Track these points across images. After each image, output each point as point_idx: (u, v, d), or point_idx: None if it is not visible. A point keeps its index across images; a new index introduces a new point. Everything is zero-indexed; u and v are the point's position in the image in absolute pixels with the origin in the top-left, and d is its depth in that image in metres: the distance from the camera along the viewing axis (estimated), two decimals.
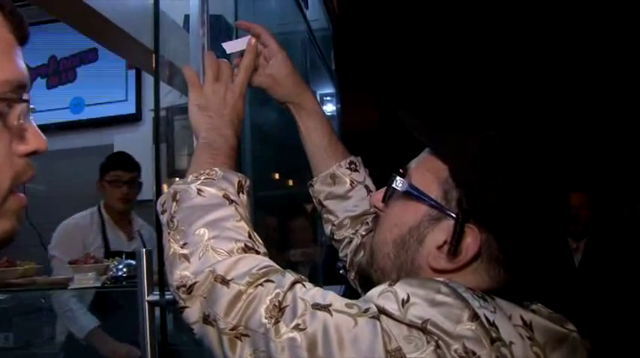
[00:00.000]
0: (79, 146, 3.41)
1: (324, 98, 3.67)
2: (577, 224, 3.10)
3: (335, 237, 1.19)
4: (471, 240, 0.76)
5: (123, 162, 2.73)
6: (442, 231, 0.78)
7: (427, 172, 0.82)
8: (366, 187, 1.17)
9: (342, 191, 1.16)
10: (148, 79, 1.80)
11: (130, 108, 3.59)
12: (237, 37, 1.27)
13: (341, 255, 1.19)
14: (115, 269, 1.58)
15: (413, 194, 0.81)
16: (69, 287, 1.57)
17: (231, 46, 1.10)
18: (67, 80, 3.69)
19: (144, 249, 1.09)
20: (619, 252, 2.95)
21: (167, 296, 1.06)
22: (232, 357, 0.72)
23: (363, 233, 1.14)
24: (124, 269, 1.55)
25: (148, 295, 1.09)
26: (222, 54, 1.10)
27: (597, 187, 3.40)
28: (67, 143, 3.40)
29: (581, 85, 4.91)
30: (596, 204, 3.19)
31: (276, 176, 2.43)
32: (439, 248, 0.78)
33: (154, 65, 1.18)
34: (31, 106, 0.67)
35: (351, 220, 1.16)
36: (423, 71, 4.65)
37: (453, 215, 0.77)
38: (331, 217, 1.18)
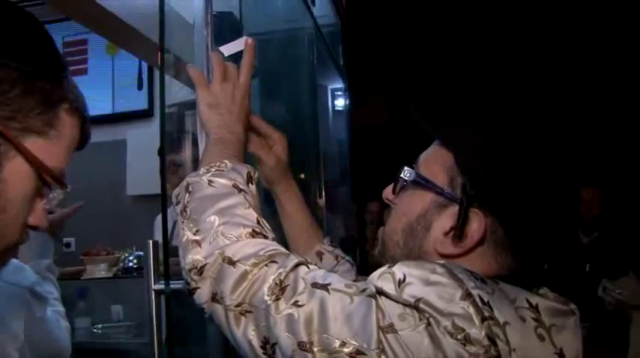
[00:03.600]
0: (93, 141, 3.47)
1: (335, 93, 3.69)
2: (588, 218, 3.11)
3: None
4: (476, 225, 0.78)
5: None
6: (448, 217, 0.81)
7: (434, 162, 0.86)
8: (349, 262, 1.25)
9: (329, 266, 1.21)
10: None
11: (142, 104, 3.63)
12: (241, 35, 1.30)
13: None
14: (125, 261, 1.63)
15: (420, 182, 0.85)
16: (81, 278, 1.62)
17: (228, 49, 1.15)
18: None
19: (150, 240, 1.13)
20: (626, 248, 2.95)
21: (172, 286, 1.10)
22: (237, 332, 0.77)
23: None
24: (134, 261, 1.60)
25: (154, 284, 1.13)
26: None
27: (610, 183, 3.39)
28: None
29: (596, 81, 4.87)
30: (608, 200, 3.18)
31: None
32: (446, 234, 0.80)
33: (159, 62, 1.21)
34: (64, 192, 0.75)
35: None
36: (433, 65, 4.65)
37: (458, 200, 0.80)
38: None
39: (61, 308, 1.35)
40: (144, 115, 3.63)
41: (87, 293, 2.66)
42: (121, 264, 1.59)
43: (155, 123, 3.58)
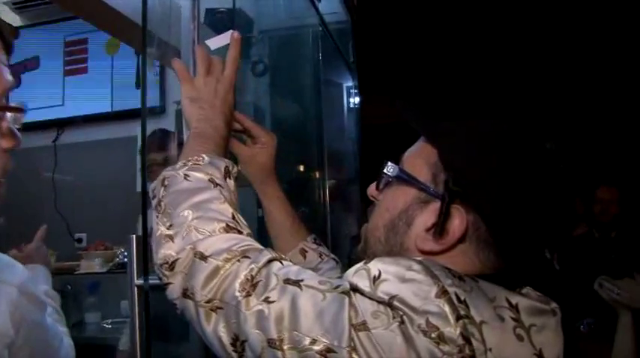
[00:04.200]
0: (104, 138, 3.49)
1: (351, 91, 3.67)
2: (605, 218, 3.07)
3: None
4: (458, 221, 0.77)
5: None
6: (430, 214, 0.79)
7: (418, 158, 0.84)
8: (333, 259, 1.25)
9: (313, 264, 1.22)
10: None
11: (154, 101, 3.64)
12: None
13: None
14: (121, 256, 1.64)
15: (403, 178, 0.83)
16: (75, 273, 1.63)
17: (214, 42, 1.14)
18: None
19: (134, 235, 1.13)
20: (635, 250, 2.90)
21: (151, 281, 1.10)
22: (208, 328, 0.76)
23: None
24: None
25: (137, 279, 1.13)
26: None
27: (629, 183, 3.34)
28: (93, 135, 3.49)
29: (616, 82, 4.80)
30: (626, 200, 3.14)
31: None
32: (427, 230, 0.79)
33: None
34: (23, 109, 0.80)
35: None
36: (442, 64, 4.62)
37: (440, 196, 0.78)
38: None
39: (64, 329, 1.33)
40: (156, 112, 3.64)
41: (97, 288, 2.71)
42: (117, 260, 1.60)
43: (167, 120, 3.59)
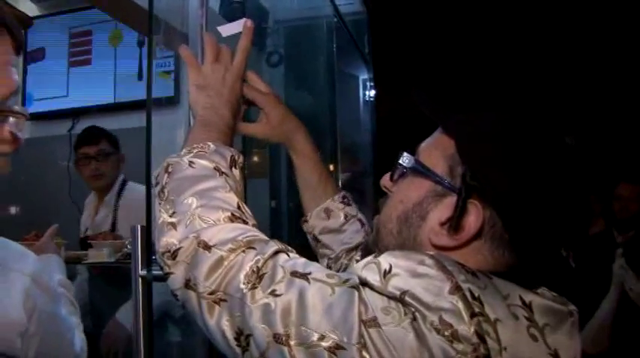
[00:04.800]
0: (116, 127, 3.50)
1: (366, 83, 3.64)
2: (625, 214, 3.02)
3: (332, 269, 1.20)
4: (474, 217, 0.74)
5: (86, 137, 2.65)
6: (446, 208, 0.76)
7: (435, 150, 0.81)
8: (360, 220, 1.21)
9: (336, 225, 1.19)
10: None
11: (168, 91, 3.65)
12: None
13: None
14: (129, 246, 1.63)
15: (419, 170, 0.80)
16: (82, 262, 1.63)
17: (226, 30, 1.12)
18: None
19: (139, 225, 1.11)
20: None
21: (154, 272, 1.08)
22: (210, 322, 0.74)
23: (358, 258, 1.15)
24: None
25: (141, 270, 1.11)
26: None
27: None
28: (105, 124, 3.51)
29: (636, 77, 4.73)
30: None
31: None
32: (442, 224, 0.76)
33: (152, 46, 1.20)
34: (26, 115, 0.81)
35: (346, 253, 1.19)
36: (459, 55, 4.57)
37: (457, 190, 0.75)
38: (327, 251, 1.21)
39: (77, 321, 1.31)
40: (169, 102, 3.64)
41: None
42: (125, 250, 1.59)
43: (181, 110, 3.59)
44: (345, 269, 1.17)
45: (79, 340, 1.25)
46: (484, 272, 0.70)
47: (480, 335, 0.62)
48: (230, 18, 2.44)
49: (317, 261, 1.15)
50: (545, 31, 4.31)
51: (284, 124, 1.16)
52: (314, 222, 1.21)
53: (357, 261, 1.12)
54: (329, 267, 1.21)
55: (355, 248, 1.18)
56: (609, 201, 3.05)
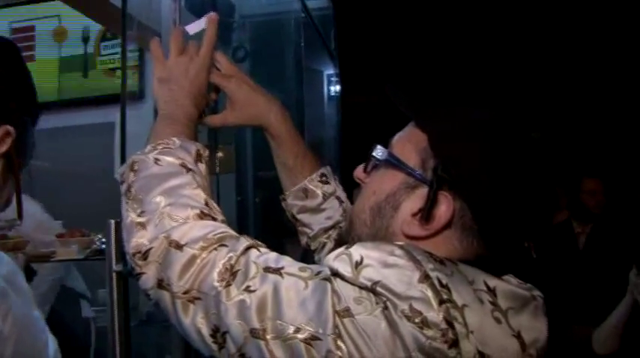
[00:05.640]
0: (82, 123, 3.44)
1: (331, 79, 3.66)
2: (588, 208, 3.10)
3: (311, 247, 1.23)
4: (445, 208, 0.76)
5: None
6: (417, 199, 0.78)
7: (408, 143, 0.83)
8: (338, 198, 1.20)
9: (314, 204, 1.19)
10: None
11: (132, 86, 3.59)
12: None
13: (315, 258, 1.22)
14: (98, 243, 1.62)
15: (392, 162, 0.82)
16: (51, 260, 1.61)
17: (192, 28, 1.12)
18: None
19: (112, 221, 1.11)
20: (620, 239, 2.93)
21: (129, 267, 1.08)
22: (185, 320, 0.75)
23: (336, 237, 1.17)
24: None
25: (116, 265, 1.11)
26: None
27: (612, 175, 3.38)
28: (70, 120, 3.43)
29: (599, 78, 4.86)
30: (610, 191, 3.17)
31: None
32: (414, 215, 0.78)
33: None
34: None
35: (325, 231, 1.20)
36: (427, 52, 4.62)
37: (428, 182, 0.77)
38: (306, 230, 1.22)
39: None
40: (134, 98, 3.59)
41: None
42: (94, 246, 1.58)
43: (146, 106, 3.54)
44: (323, 247, 1.20)
45: (52, 342, 1.23)
46: (451, 260, 0.73)
47: (449, 321, 0.65)
48: (195, 11, 2.43)
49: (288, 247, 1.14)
50: (511, 28, 4.38)
51: (251, 106, 1.13)
52: (292, 202, 1.21)
53: (335, 239, 1.15)
54: (308, 245, 1.23)
55: (333, 226, 1.19)
56: (576, 194, 3.13)
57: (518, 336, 0.71)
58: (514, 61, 4.82)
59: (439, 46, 4.57)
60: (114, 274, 1.10)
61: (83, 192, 3.07)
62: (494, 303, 0.71)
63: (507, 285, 0.74)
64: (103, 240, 1.60)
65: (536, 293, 0.78)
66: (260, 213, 2.77)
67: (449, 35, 4.41)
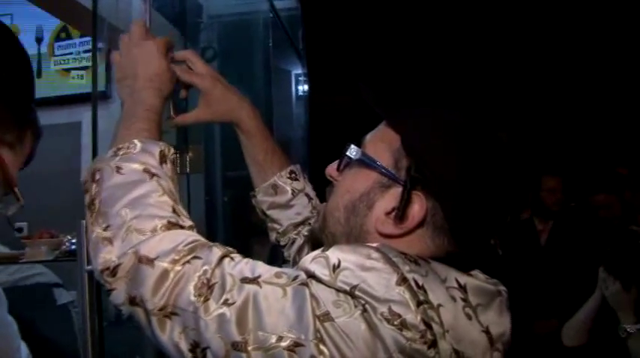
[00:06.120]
0: (47, 123, 3.38)
1: (299, 78, 3.67)
2: (549, 205, 3.16)
3: (280, 243, 1.24)
4: (418, 207, 0.77)
5: None
6: (391, 198, 0.80)
7: (380, 142, 0.84)
8: (307, 195, 1.22)
9: (284, 200, 1.20)
10: None
11: (99, 86, 3.55)
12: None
13: (285, 255, 1.24)
14: (68, 244, 1.60)
15: (365, 161, 0.83)
16: (20, 261, 1.59)
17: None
18: None
19: (84, 221, 1.10)
20: (579, 236, 3.00)
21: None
22: (162, 337, 0.72)
23: (306, 233, 1.18)
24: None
25: (87, 265, 1.11)
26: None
27: (572, 173, 3.45)
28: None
29: (562, 76, 4.95)
30: (569, 189, 3.24)
31: None
32: (387, 214, 0.79)
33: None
34: None
35: (294, 227, 1.21)
36: (393, 52, 4.65)
37: (402, 182, 0.79)
38: (275, 226, 1.23)
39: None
40: (101, 97, 3.54)
41: None
42: (64, 247, 1.56)
43: (114, 105, 3.50)
44: (293, 243, 1.21)
45: (24, 346, 1.22)
46: (424, 258, 0.75)
47: (426, 322, 0.67)
48: (164, 12, 2.42)
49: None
50: (474, 29, 4.44)
51: (225, 103, 1.14)
52: (262, 198, 1.22)
53: (305, 236, 1.16)
54: (277, 241, 1.24)
55: (302, 222, 1.20)
56: (536, 192, 3.19)
57: (487, 332, 0.74)
58: (478, 61, 4.89)
59: (406, 46, 4.61)
60: (85, 274, 1.10)
61: (49, 193, 3.03)
62: (465, 300, 0.73)
63: (476, 281, 0.77)
64: (73, 240, 1.60)
65: (502, 288, 0.81)
66: (229, 213, 2.77)
67: (415, 35, 4.45)
